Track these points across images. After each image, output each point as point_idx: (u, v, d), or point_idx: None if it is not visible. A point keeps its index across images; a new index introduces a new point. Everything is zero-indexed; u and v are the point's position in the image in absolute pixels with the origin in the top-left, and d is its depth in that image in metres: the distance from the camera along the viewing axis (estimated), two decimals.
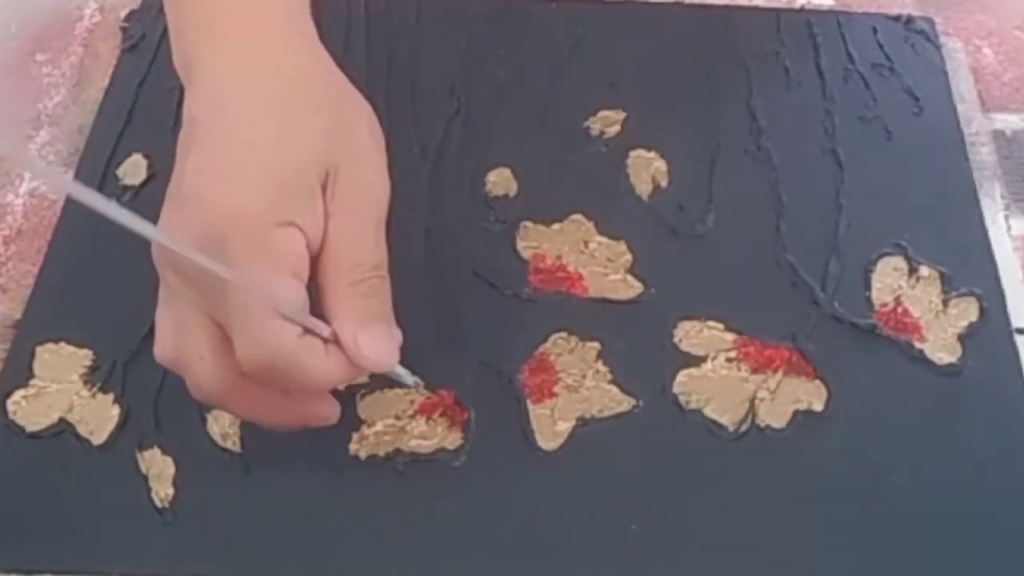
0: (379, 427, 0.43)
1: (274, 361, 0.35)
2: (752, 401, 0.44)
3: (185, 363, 0.37)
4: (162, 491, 0.42)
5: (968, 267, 0.48)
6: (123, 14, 0.58)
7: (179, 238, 0.34)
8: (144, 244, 0.42)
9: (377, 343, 0.37)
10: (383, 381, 0.44)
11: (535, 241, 0.49)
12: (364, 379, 0.44)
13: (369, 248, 0.38)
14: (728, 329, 0.46)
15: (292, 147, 0.37)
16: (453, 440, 0.43)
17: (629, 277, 0.48)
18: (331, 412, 0.40)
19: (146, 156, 0.51)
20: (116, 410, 0.44)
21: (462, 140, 0.53)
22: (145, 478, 0.42)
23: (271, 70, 0.38)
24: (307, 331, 0.36)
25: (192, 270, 0.35)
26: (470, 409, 0.44)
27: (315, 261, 0.37)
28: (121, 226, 0.30)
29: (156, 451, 0.43)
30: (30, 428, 0.43)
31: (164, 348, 0.38)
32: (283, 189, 0.36)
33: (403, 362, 0.42)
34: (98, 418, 0.43)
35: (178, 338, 0.37)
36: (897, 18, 0.59)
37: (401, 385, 0.43)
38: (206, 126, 0.37)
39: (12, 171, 0.52)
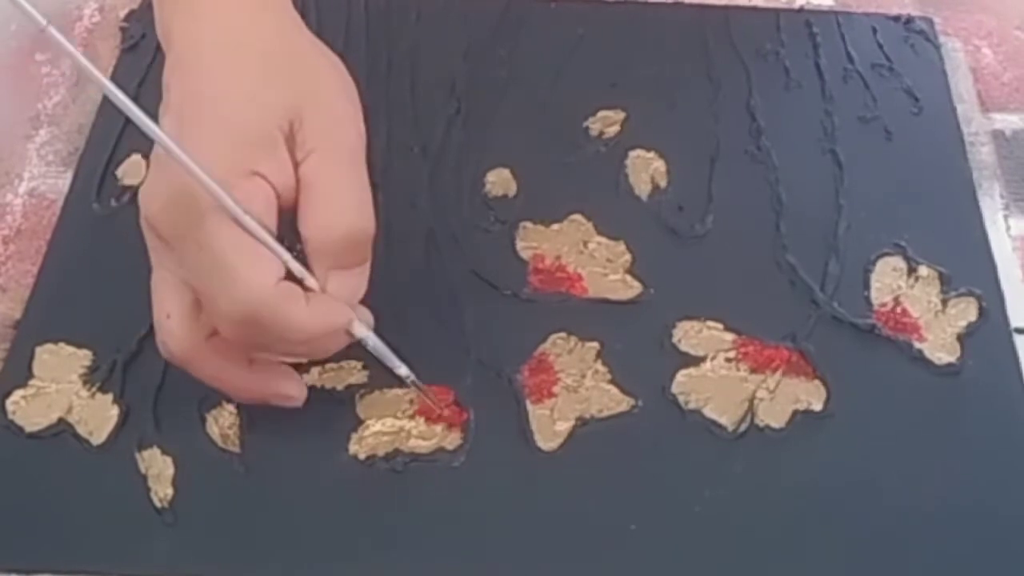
0: (378, 427, 0.43)
1: (254, 309, 0.36)
2: (751, 401, 0.44)
3: (157, 322, 0.39)
4: (162, 491, 0.42)
5: (967, 267, 0.48)
6: (123, 14, 0.58)
7: (180, 145, 0.36)
8: (144, 244, 0.42)
9: (346, 282, 0.39)
10: (382, 381, 0.44)
11: (535, 241, 0.49)
12: (363, 378, 0.44)
13: (344, 188, 0.38)
14: (727, 329, 0.46)
15: (250, 101, 0.38)
16: (452, 440, 0.43)
17: (628, 277, 0.48)
18: (295, 392, 0.41)
19: (146, 156, 0.51)
20: (116, 410, 0.44)
21: (462, 140, 0.53)
22: (145, 478, 0.42)
23: (239, 38, 0.39)
24: (288, 278, 0.37)
25: (169, 232, 0.37)
26: (470, 409, 0.44)
27: (293, 208, 0.38)
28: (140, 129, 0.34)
29: (156, 451, 0.43)
30: (29, 428, 0.43)
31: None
32: (243, 141, 0.37)
33: (404, 358, 0.42)
34: (98, 418, 0.43)
35: (153, 298, 0.39)
36: (897, 18, 0.59)
37: (401, 384, 0.43)
38: (177, 92, 0.38)
39: (12, 171, 0.52)
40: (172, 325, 0.38)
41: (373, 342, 0.41)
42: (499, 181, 0.51)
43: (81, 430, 0.43)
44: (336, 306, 0.39)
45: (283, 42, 0.40)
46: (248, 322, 0.36)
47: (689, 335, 0.46)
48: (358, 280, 0.39)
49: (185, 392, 0.44)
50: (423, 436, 0.43)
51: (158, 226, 0.38)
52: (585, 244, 0.49)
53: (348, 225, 0.38)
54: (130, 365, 0.45)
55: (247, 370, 0.40)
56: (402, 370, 0.42)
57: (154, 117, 0.36)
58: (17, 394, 0.44)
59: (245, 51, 0.39)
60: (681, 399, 0.44)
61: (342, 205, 0.38)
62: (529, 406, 0.44)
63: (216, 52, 0.39)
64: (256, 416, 0.43)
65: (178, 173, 0.36)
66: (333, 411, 0.44)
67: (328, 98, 0.39)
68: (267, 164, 0.37)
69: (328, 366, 0.45)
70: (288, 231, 0.38)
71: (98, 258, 0.48)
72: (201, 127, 0.37)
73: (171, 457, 0.42)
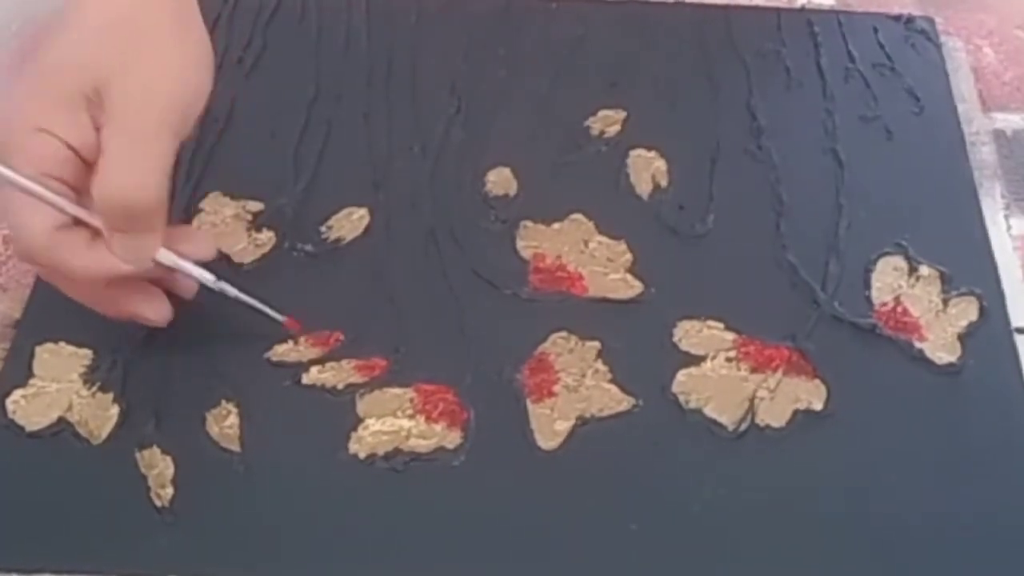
0: (378, 426, 0.43)
1: (32, 254, 0.40)
2: (752, 400, 0.44)
3: None
4: (162, 491, 0.42)
5: (968, 267, 0.48)
6: None
7: None
8: None
9: (127, 244, 0.40)
10: (381, 380, 0.44)
11: (535, 241, 0.49)
12: (363, 378, 0.44)
13: (126, 162, 0.39)
14: (728, 328, 0.46)
15: (60, 62, 0.40)
16: (453, 439, 0.43)
17: (629, 277, 0.48)
18: (153, 313, 0.43)
19: None
20: (116, 409, 0.44)
21: (462, 140, 0.53)
22: (145, 478, 0.42)
23: (94, 4, 0.41)
24: (77, 225, 0.40)
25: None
26: (470, 409, 0.44)
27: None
28: None
29: (156, 451, 0.43)
30: (30, 428, 0.43)
31: None
32: (43, 98, 0.39)
33: (403, 354, 0.42)
34: (98, 417, 0.43)
35: None
36: (898, 18, 0.59)
37: (401, 385, 0.43)
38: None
39: None
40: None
41: (185, 267, 0.43)
42: (500, 180, 0.51)
43: (81, 429, 0.43)
44: None
45: (131, 12, 0.41)
46: (32, 262, 0.41)
47: (689, 334, 0.46)
48: (141, 245, 0.41)
49: (185, 392, 0.44)
50: (423, 435, 0.43)
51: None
52: (586, 243, 0.49)
53: (121, 197, 0.39)
54: (130, 365, 0.45)
55: (103, 291, 0.42)
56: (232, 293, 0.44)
57: None
58: (17, 393, 0.44)
59: (86, 17, 0.40)
60: (681, 398, 0.44)
61: (120, 177, 0.39)
62: (529, 405, 0.44)
63: (67, 16, 0.40)
64: (256, 416, 0.43)
65: None
66: (333, 411, 0.44)
67: (145, 74, 0.40)
68: (61, 122, 0.39)
69: (328, 365, 0.45)
70: None
71: None
72: (25, 81, 0.40)
73: (171, 456, 0.42)
